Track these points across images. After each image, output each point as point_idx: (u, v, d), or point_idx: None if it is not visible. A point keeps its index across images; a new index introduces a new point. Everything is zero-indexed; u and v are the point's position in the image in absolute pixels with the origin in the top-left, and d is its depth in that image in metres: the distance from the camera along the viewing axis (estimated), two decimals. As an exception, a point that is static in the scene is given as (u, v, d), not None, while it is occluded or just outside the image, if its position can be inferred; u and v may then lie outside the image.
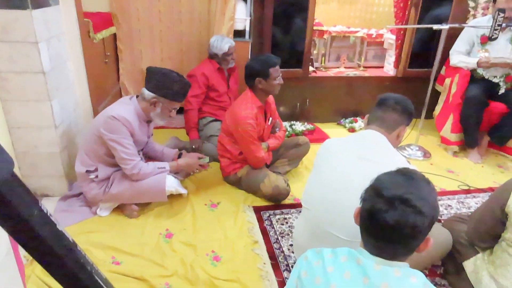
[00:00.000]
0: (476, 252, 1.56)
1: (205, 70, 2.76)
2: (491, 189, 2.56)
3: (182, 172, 2.35)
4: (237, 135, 2.24)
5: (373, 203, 0.93)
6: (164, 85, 1.95)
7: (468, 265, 1.55)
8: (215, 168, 2.56)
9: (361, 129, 3.43)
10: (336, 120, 3.60)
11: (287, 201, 2.29)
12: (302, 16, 3.16)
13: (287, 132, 3.09)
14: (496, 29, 2.72)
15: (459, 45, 3.06)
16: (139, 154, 2.06)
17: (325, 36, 3.71)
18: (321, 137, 3.14)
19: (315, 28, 3.45)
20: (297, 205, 2.25)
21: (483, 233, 1.50)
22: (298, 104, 3.48)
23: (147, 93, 1.97)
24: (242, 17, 3.05)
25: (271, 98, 2.37)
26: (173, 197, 2.18)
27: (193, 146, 2.70)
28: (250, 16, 3.07)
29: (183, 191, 2.15)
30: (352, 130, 3.42)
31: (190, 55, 3.15)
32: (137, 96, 2.04)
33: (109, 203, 2.08)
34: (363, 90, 3.57)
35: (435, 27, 2.72)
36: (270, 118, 2.38)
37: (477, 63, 2.88)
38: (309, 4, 3.11)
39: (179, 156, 2.31)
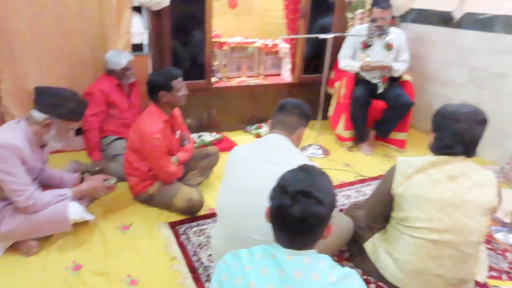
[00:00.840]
0: (373, 233, 1.76)
1: (104, 87, 2.63)
2: (381, 177, 2.92)
3: (87, 197, 2.20)
4: (144, 152, 2.18)
5: (279, 200, 1.01)
6: (58, 104, 1.81)
7: (368, 245, 1.75)
8: (123, 188, 2.45)
9: (266, 134, 3.60)
10: (242, 127, 3.73)
11: (202, 212, 2.30)
12: (200, 28, 3.22)
13: (196, 144, 3.10)
14: (370, 37, 3.13)
15: (345, 50, 3.42)
16: (33, 183, 1.87)
17: (225, 47, 3.83)
18: (230, 146, 3.22)
19: (214, 40, 3.54)
20: (212, 215, 2.27)
21: (377, 215, 1.71)
22: (205, 115, 3.52)
23: (38, 115, 1.81)
24: (139, 30, 2.99)
25: (177, 111, 2.36)
26: (79, 225, 2.03)
27: (97, 168, 2.54)
28: (148, 29, 3.02)
29: (89, 217, 2.01)
30: (258, 135, 3.57)
31: (85, 72, 2.95)
32: (26, 119, 1.85)
33: (1, 243, 1.85)
34: (264, 97, 3.77)
35: (321, 36, 3.02)
36: (178, 131, 2.37)
37: (360, 67, 3.26)
38: (206, 16, 3.18)
39: (82, 180, 2.15)
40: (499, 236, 2.23)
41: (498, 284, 1.85)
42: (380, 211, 1.68)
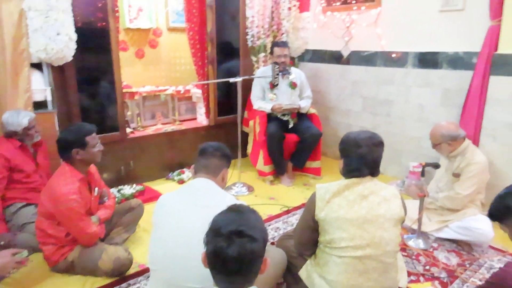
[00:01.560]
0: (305, 260, 1.85)
1: (3, 151, 2.39)
2: (304, 205, 3.08)
3: (-8, 278, 1.93)
4: (60, 216, 2.01)
5: (215, 243, 1.04)
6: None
7: (302, 273, 1.82)
8: (38, 260, 2.20)
9: (189, 179, 3.59)
10: (164, 175, 3.66)
11: (132, 270, 2.17)
12: (109, 80, 3.16)
13: (116, 199, 2.94)
14: (275, 77, 3.39)
15: (255, 92, 3.67)
16: None
17: (136, 97, 3.80)
18: (154, 196, 3.12)
19: (124, 90, 3.50)
20: (144, 271, 2.15)
21: (305, 242, 1.80)
22: (123, 167, 3.38)
23: None
24: (40, 87, 2.82)
25: (93, 168, 2.25)
26: (-15, 312, 1.76)
27: (2, 242, 2.25)
28: (51, 85, 2.87)
29: (-2, 300, 1.77)
30: (181, 182, 3.53)
31: (-21, 137, 2.66)
32: None
33: None
34: (183, 142, 3.78)
35: (231, 80, 3.18)
36: (96, 189, 2.24)
37: (271, 109, 3.50)
38: (114, 68, 3.15)
39: (-15, 259, 1.89)
40: (411, 242, 2.50)
41: (418, 286, 2.06)
42: (308, 238, 1.77)
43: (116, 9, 3.13)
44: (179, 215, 1.55)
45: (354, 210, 1.58)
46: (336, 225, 1.59)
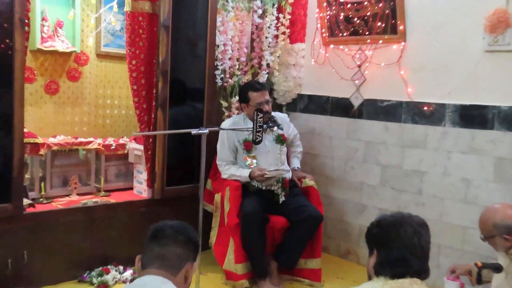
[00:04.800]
0: None
1: None
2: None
3: None
4: None
5: None
6: None
7: None
8: None
9: (126, 282, 3.40)
10: (77, 275, 3.47)
11: None
12: (3, 124, 3.06)
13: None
14: (258, 131, 3.43)
15: (223, 154, 3.67)
16: None
17: (42, 151, 3.69)
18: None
19: (25, 140, 3.38)
20: None
21: None
22: (10, 260, 3.16)
23: None
24: None
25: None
26: None
27: None
28: None
29: None
30: (104, 285, 3.33)
31: None
32: None
33: None
34: (111, 223, 3.63)
35: (193, 132, 3.16)
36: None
37: (250, 176, 3.49)
38: (14, 106, 3.05)
39: None
40: None
41: None
42: None
43: (26, 21, 3.11)
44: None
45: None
46: None
